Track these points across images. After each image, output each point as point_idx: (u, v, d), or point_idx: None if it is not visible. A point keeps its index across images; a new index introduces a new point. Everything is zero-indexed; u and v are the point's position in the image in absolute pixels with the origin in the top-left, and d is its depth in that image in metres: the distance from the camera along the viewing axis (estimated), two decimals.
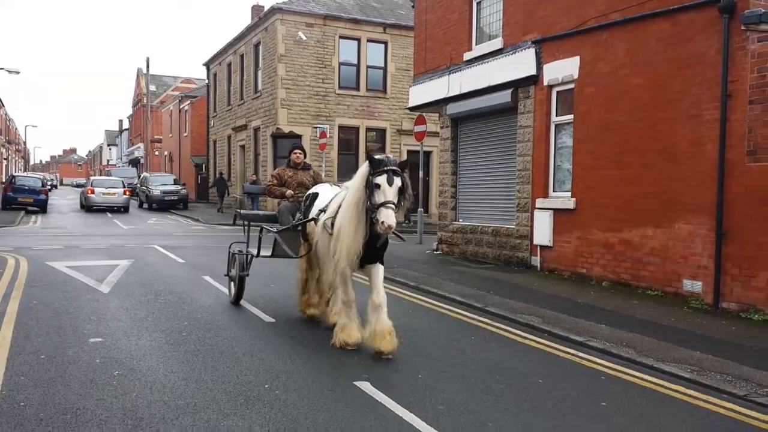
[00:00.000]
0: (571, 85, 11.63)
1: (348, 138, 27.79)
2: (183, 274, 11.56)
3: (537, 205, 12.39)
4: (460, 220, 15.13)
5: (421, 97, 16.28)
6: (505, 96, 13.09)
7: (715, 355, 6.51)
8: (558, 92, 12.12)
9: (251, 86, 30.43)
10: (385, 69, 28.06)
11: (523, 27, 12.80)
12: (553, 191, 12.26)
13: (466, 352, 6.71)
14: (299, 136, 26.67)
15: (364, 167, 6.21)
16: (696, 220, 9.24)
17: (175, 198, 32.58)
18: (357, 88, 27.76)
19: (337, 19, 27.11)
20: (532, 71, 12.35)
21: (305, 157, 8.93)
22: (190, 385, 5.34)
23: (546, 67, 12.13)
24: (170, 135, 51.54)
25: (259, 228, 8.51)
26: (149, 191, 32.86)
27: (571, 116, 11.69)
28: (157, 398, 5.01)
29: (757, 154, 8.41)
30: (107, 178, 37.89)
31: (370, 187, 5.98)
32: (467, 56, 14.41)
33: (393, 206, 5.84)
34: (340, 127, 27.44)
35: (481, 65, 13.90)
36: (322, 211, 6.97)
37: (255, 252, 8.29)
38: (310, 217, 7.33)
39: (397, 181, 5.97)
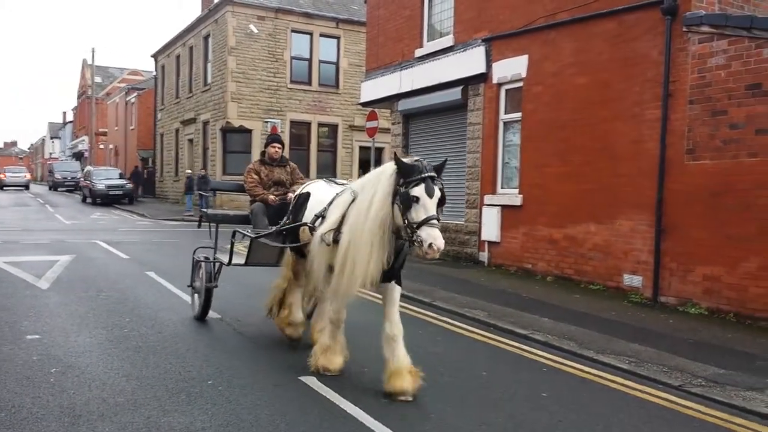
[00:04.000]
0: (520, 84, 11.80)
1: (300, 133, 27.58)
2: (126, 270, 11.29)
3: (485, 202, 12.54)
4: None
5: (373, 93, 16.29)
6: (455, 93, 13.20)
7: (653, 347, 6.71)
8: (507, 90, 12.28)
9: (200, 79, 29.91)
10: (337, 64, 27.95)
11: (473, 25, 12.93)
12: (501, 188, 12.44)
13: (412, 346, 6.71)
14: (249, 131, 26.37)
15: (387, 175, 4.84)
16: (637, 217, 9.50)
17: (120, 193, 31.73)
18: (309, 83, 27.58)
19: (290, 12, 26.87)
20: (482, 69, 12.49)
21: (283, 150, 7.83)
22: (130, 382, 5.23)
23: (495, 65, 12.28)
24: (116, 128, 50.22)
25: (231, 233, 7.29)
26: (93, 185, 31.95)
27: (519, 114, 11.87)
28: (96, 395, 4.89)
29: (696, 152, 8.69)
30: (14, 166, 58.54)
31: (404, 201, 4.64)
32: (419, 53, 14.48)
33: (438, 222, 4.60)
34: (292, 122, 27.21)
35: (432, 62, 13.98)
36: (321, 217, 5.60)
37: (225, 259, 7.09)
38: (303, 221, 6.02)
39: (437, 191, 4.68)
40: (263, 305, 7.07)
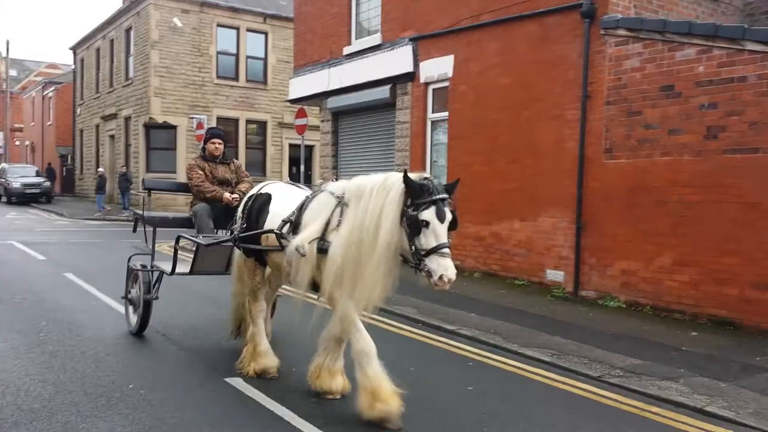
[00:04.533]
0: (446, 83, 11.96)
1: (227, 130, 26.93)
2: (43, 272, 10.80)
3: None
4: None
5: (301, 90, 16.16)
6: (383, 92, 13.25)
7: (574, 340, 6.94)
8: (434, 89, 12.42)
9: (122, 73, 28.91)
10: (265, 60, 27.58)
11: (400, 24, 13.01)
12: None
13: None
14: (174, 127, 25.69)
15: (396, 194, 4.25)
16: (558, 214, 9.80)
17: (38, 191, 30.31)
18: (236, 79, 27.10)
19: (215, 6, 26.31)
20: (410, 68, 12.58)
21: (225, 146, 7.17)
22: (47, 388, 5.01)
23: (422, 65, 12.40)
24: (32, 124, 47.90)
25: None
26: (8, 184, 30.40)
27: (446, 113, 12.02)
28: (10, 402, 4.67)
29: (613, 151, 9.03)
30: None
31: (413, 225, 4.13)
32: (347, 50, 14.46)
33: (449, 251, 4.12)
34: (219, 119, 26.64)
35: (360, 60, 13.99)
36: (290, 222, 4.98)
37: (168, 268, 6.35)
38: (267, 227, 5.28)
39: (449, 215, 4.20)
40: (227, 324, 6.44)
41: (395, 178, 4.33)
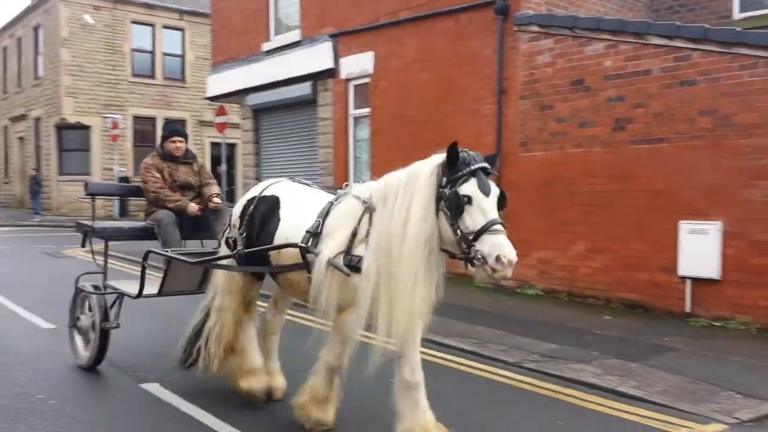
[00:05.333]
0: (367, 80, 11.99)
1: (144, 129, 26.23)
2: None
3: None
4: None
5: (220, 87, 15.87)
6: (304, 88, 13.17)
7: (494, 328, 7.11)
8: (355, 86, 12.43)
9: (30, 72, 27.57)
10: (183, 57, 26.90)
11: (319, 20, 12.95)
12: (354, 182, 12.55)
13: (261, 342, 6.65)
14: (87, 127, 24.71)
15: (425, 176, 3.56)
16: None
17: None
18: (153, 76, 26.32)
19: (128, 2, 25.45)
20: (330, 64, 12.54)
21: (187, 143, 6.35)
22: None
23: (343, 61, 12.39)
24: None
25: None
26: None
27: (368, 109, 12.06)
28: None
29: (528, 145, 9.29)
30: None
31: (453, 205, 3.43)
32: (266, 47, 14.29)
33: (503, 228, 3.41)
34: (135, 118, 25.83)
35: (280, 56, 13.85)
36: (316, 234, 4.01)
37: (130, 288, 5.41)
38: (280, 239, 4.27)
39: (494, 187, 3.51)
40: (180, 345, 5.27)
41: (423, 163, 3.67)
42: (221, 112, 17.44)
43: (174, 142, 6.11)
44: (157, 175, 5.94)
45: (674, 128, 7.76)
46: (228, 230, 4.81)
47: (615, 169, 8.27)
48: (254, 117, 15.09)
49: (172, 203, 5.80)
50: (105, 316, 5.37)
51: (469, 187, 3.42)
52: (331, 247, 3.86)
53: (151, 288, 5.24)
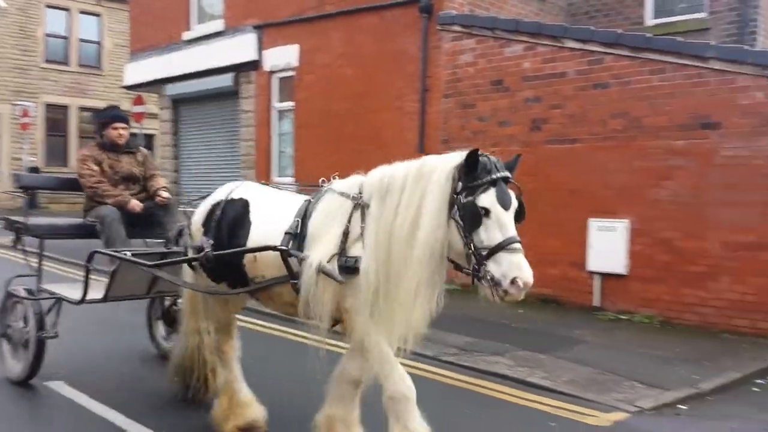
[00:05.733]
0: (292, 73, 11.88)
1: (57, 118, 25.02)
2: None
3: None
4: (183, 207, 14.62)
5: (138, 76, 15.36)
6: (226, 79, 12.92)
7: None
8: (280, 78, 12.29)
9: None
10: (100, 44, 25.81)
11: (244, 10, 12.72)
12: (278, 176, 12.45)
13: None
14: None
15: (441, 176, 3.16)
16: None
17: None
18: (67, 63, 25.13)
19: None
20: (254, 56, 12.35)
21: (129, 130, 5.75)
22: None
23: (267, 53, 12.22)
24: None
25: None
26: None
27: (293, 103, 11.95)
28: None
29: (450, 142, 9.43)
30: None
31: (468, 215, 3.07)
32: (187, 36, 13.93)
33: (521, 247, 3.08)
34: (48, 106, 24.60)
35: (202, 46, 13.52)
36: (294, 235, 3.61)
37: (71, 293, 4.84)
38: (253, 243, 3.82)
39: (514, 199, 3.17)
40: (170, 382, 4.68)
41: (437, 161, 3.28)
42: (139, 101, 16.89)
43: (116, 128, 5.53)
44: (95, 167, 5.42)
45: (588, 129, 8.07)
46: (187, 240, 4.29)
47: (532, 168, 8.47)
48: (173, 107, 14.69)
49: (111, 198, 5.27)
50: (41, 325, 4.80)
51: (487, 198, 3.06)
52: (320, 250, 3.42)
53: (95, 293, 4.69)
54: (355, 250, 3.37)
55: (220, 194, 4.18)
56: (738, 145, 7.03)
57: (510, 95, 8.76)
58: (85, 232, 5.37)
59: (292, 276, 3.54)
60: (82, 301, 4.68)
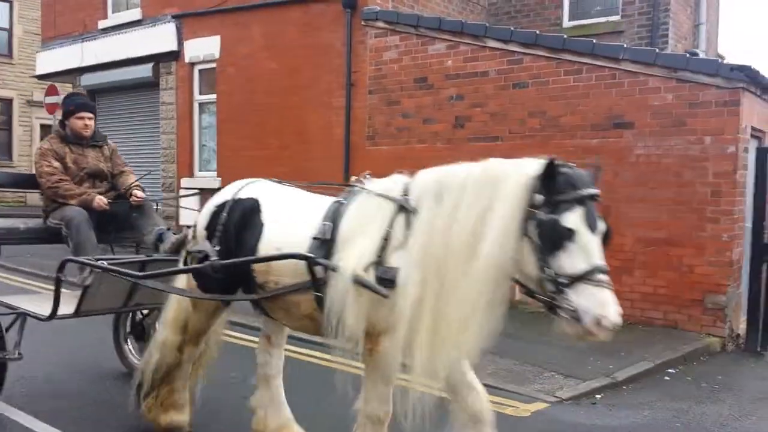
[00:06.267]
0: (213, 65, 11.62)
1: None
2: None
3: (183, 185, 12.17)
4: None
5: (51, 65, 14.66)
6: (145, 70, 12.50)
7: None
8: (200, 70, 12.00)
9: None
10: (10, 31, 24.47)
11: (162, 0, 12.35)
12: (200, 171, 12.18)
13: (81, 328, 6.25)
14: None
15: (516, 184, 2.75)
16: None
17: None
18: None
19: None
20: (173, 47, 12.00)
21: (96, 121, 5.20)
22: None
23: (187, 44, 11.90)
24: None
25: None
26: None
27: (215, 96, 11.70)
28: None
29: (375, 138, 9.49)
30: None
31: (548, 235, 2.64)
32: (103, 24, 13.39)
33: (609, 279, 2.62)
34: None
35: (119, 35, 13.02)
36: (325, 242, 3.17)
37: (36, 308, 4.26)
38: (266, 250, 3.38)
39: (602, 222, 2.70)
40: (135, 387, 4.11)
41: (508, 166, 2.88)
42: (52, 91, 16.12)
43: (81, 118, 4.92)
44: (56, 164, 4.78)
45: (508, 127, 8.27)
46: (189, 243, 3.82)
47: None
48: (89, 98, 14.07)
49: (74, 199, 4.66)
50: (0, 344, 4.21)
51: (573, 218, 2.61)
52: (354, 256, 2.97)
53: (66, 307, 4.08)
54: (395, 260, 2.92)
55: (225, 194, 3.76)
56: (649, 144, 7.37)
57: (434, 93, 8.87)
58: (48, 236, 4.79)
59: (316, 284, 3.10)
60: (52, 316, 4.05)
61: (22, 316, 4.25)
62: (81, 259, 4.08)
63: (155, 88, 12.59)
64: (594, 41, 8.02)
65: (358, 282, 2.89)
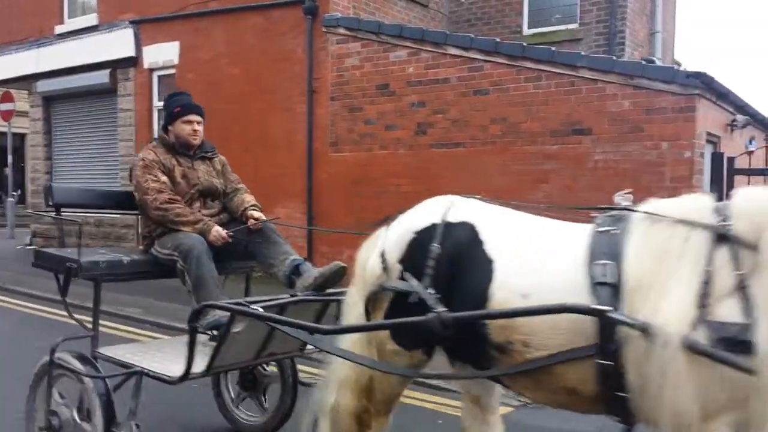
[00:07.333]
0: (173, 71, 11.47)
1: None
2: None
3: None
4: None
5: (6, 71, 14.30)
6: (103, 76, 12.28)
7: None
8: (160, 76, 11.83)
9: None
10: None
11: (119, 5, 12.15)
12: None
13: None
14: None
15: None
16: (292, 205, 9.98)
17: None
18: None
19: None
20: (131, 53, 11.82)
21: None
22: None
23: (146, 50, 11.72)
24: None
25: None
26: None
27: None
28: None
29: (338, 145, 9.45)
30: None
31: None
32: (59, 30, 13.12)
33: None
34: None
35: (75, 41, 12.77)
36: (610, 285, 2.25)
37: (165, 367, 3.37)
38: (501, 298, 2.43)
39: None
40: None
41: None
42: (7, 98, 15.76)
43: (190, 122, 4.02)
44: (164, 178, 3.88)
45: (470, 134, 8.32)
46: (378, 278, 2.78)
47: (417, 171, 8.68)
48: (45, 105, 13.79)
49: (187, 226, 3.76)
50: (110, 413, 3.29)
51: None
52: (669, 310, 2.11)
53: (199, 364, 3.22)
54: (725, 312, 2.08)
55: (426, 215, 2.78)
56: (608, 149, 7.49)
57: (396, 99, 8.88)
58: (157, 269, 3.88)
59: (605, 349, 2.21)
60: (185, 377, 3.19)
61: (135, 376, 3.37)
62: (226, 304, 3.08)
63: (113, 95, 12.37)
64: (553, 49, 8.13)
65: (694, 349, 2.03)
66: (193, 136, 4.02)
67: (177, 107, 4.05)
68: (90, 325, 3.63)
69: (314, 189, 9.68)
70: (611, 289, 2.23)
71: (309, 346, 3.53)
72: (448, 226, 2.65)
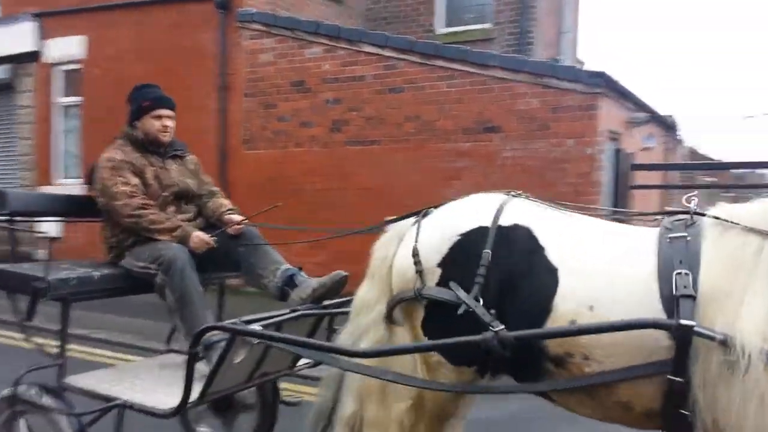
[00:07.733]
0: (78, 66, 10.97)
1: None
2: None
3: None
4: None
5: None
6: (1, 72, 11.61)
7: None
8: (64, 72, 11.30)
9: None
10: None
11: None
12: (64, 178, 11.43)
13: None
14: None
15: None
16: None
17: None
18: None
19: None
20: (33, 47, 11.21)
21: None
22: None
23: (48, 44, 11.16)
24: None
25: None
26: None
27: (80, 98, 11.05)
28: None
29: (252, 142, 9.31)
30: None
31: None
32: None
33: None
34: None
35: None
36: (690, 297, 2.05)
37: (153, 399, 2.91)
38: (566, 313, 2.21)
39: None
40: None
41: None
42: None
43: (159, 117, 3.62)
44: (135, 180, 3.46)
45: (385, 131, 8.38)
46: (409, 281, 2.48)
47: (332, 168, 8.66)
48: None
49: (164, 234, 3.33)
50: None
51: None
52: (751, 322, 1.98)
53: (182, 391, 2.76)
54: None
55: (474, 216, 2.48)
56: (516, 147, 7.70)
57: (311, 96, 8.83)
58: (128, 285, 3.42)
59: (682, 365, 2.03)
60: (180, 410, 2.77)
61: (115, 409, 2.87)
62: (230, 325, 2.70)
63: (11, 91, 11.73)
64: (466, 48, 8.29)
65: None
66: (163, 133, 3.62)
67: (146, 101, 3.66)
68: (54, 350, 3.16)
69: (229, 188, 9.45)
70: (692, 301, 2.04)
71: (299, 363, 3.25)
72: (500, 230, 2.37)
